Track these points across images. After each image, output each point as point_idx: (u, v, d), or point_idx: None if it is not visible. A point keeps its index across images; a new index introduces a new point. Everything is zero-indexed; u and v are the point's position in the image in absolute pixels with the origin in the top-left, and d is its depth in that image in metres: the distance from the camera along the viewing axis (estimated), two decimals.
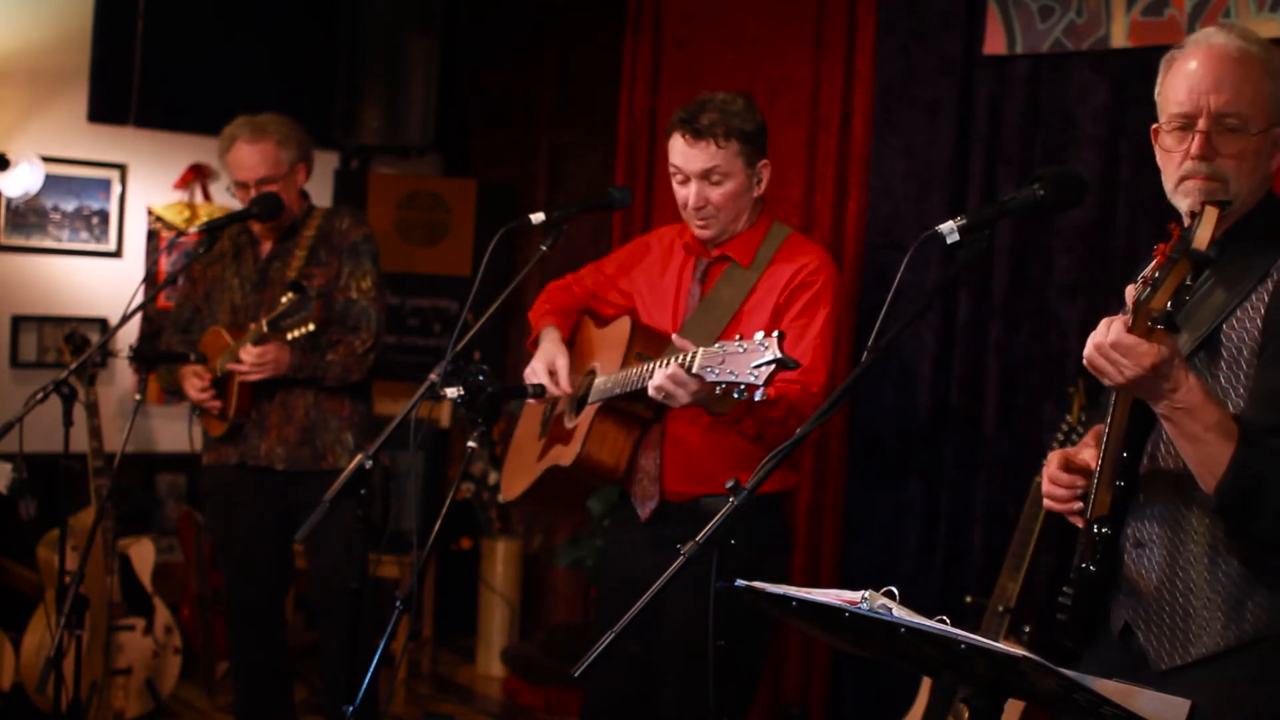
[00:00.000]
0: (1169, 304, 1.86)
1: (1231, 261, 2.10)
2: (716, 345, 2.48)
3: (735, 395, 2.43)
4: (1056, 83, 3.98)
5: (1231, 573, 2.08)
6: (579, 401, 3.08)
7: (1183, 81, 2.13)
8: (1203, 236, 1.88)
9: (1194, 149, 2.10)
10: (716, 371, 2.45)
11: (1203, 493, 2.04)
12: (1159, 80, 2.20)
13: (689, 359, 2.60)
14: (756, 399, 2.40)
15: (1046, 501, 2.25)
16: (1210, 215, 1.90)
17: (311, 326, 3.65)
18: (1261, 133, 2.10)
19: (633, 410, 3.00)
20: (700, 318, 3.03)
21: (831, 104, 4.51)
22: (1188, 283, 1.87)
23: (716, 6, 4.88)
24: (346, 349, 3.82)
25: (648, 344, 2.99)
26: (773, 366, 2.36)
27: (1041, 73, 4.01)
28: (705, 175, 2.98)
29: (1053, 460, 2.25)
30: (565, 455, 3.04)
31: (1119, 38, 3.79)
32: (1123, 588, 2.19)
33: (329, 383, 3.83)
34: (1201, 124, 2.10)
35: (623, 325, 3.06)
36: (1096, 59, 3.87)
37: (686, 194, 3.00)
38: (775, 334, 2.38)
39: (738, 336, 2.46)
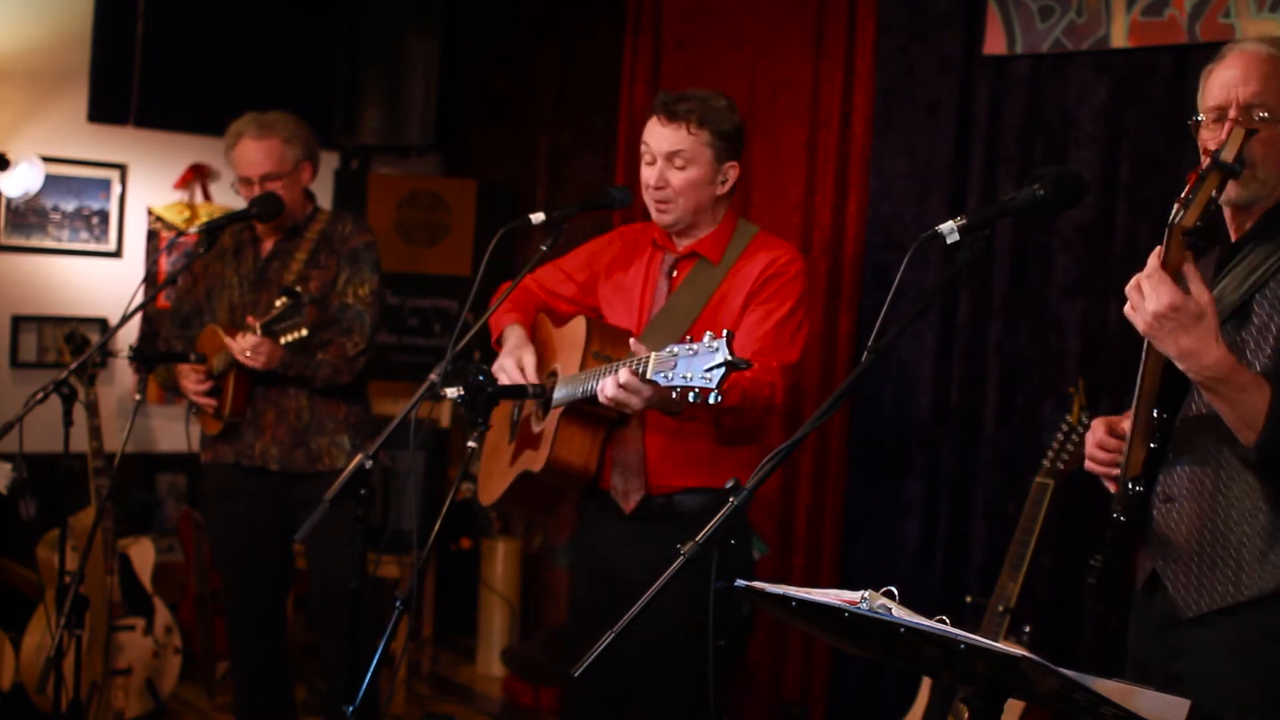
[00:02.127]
0: (1199, 220, 2.02)
1: (1267, 242, 2.25)
2: (667, 349, 2.47)
3: (690, 399, 2.41)
4: (1056, 83, 3.98)
5: (1258, 526, 2.19)
6: (545, 403, 3.07)
7: (1216, 80, 2.30)
8: (1230, 150, 2.06)
9: (1224, 135, 2.21)
10: (669, 376, 2.44)
11: (1230, 448, 2.17)
12: (1200, 90, 2.36)
13: (642, 365, 2.59)
14: (710, 401, 2.38)
15: (1088, 464, 2.40)
16: (1238, 133, 2.09)
17: (304, 332, 3.63)
18: None
19: (596, 412, 2.98)
20: (665, 316, 3.04)
21: (831, 104, 4.51)
22: (1214, 195, 2.06)
23: (716, 6, 4.88)
24: (338, 350, 3.81)
25: (606, 342, 2.97)
26: (723, 369, 2.36)
27: (1041, 73, 4.01)
28: (670, 157, 3.01)
29: (1097, 427, 2.39)
30: (535, 461, 3.02)
31: (1119, 38, 3.79)
32: (1150, 542, 2.31)
33: (317, 383, 3.81)
34: (1231, 113, 2.25)
35: (578, 326, 3.03)
36: (1096, 59, 3.87)
37: (648, 174, 3.04)
38: (725, 334, 2.38)
39: (688, 338, 2.46)
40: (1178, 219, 2.05)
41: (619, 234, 3.28)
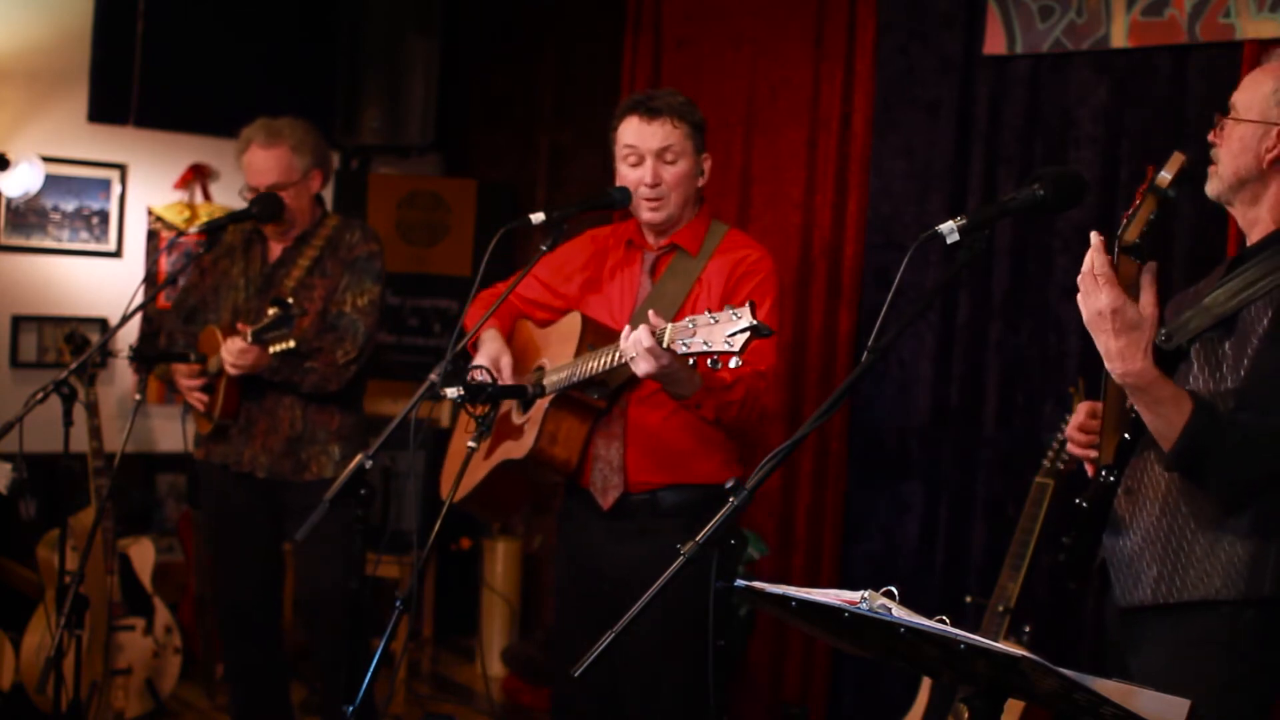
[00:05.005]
0: (1139, 237, 2.16)
1: (1269, 259, 2.30)
2: (686, 319, 2.51)
3: (710, 364, 2.45)
4: (1056, 83, 3.98)
5: (1206, 534, 2.28)
6: (528, 401, 3.08)
7: None
8: (1164, 176, 2.21)
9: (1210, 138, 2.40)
10: (688, 343, 2.48)
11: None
12: None
13: (659, 334, 2.62)
14: (732, 365, 2.42)
15: (1069, 445, 2.52)
16: (1175, 158, 2.24)
17: (291, 344, 3.60)
18: (1249, 122, 2.32)
19: (586, 401, 3.01)
20: (651, 304, 3.05)
21: (831, 104, 4.51)
22: (1153, 218, 2.20)
23: (716, 6, 4.88)
24: (327, 358, 3.79)
25: (599, 338, 3.00)
26: (748, 334, 2.39)
27: (1041, 73, 4.02)
28: (660, 154, 3.05)
29: (1081, 410, 2.50)
30: (518, 449, 3.04)
31: (1119, 38, 3.80)
32: (1108, 528, 2.40)
33: (305, 389, 3.79)
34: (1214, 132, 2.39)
35: (573, 320, 3.06)
36: (1096, 59, 3.88)
37: (640, 174, 3.06)
38: (748, 303, 2.42)
39: (706, 310, 2.49)
40: (1121, 230, 2.17)
41: (589, 238, 3.30)
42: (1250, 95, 2.34)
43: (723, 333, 2.42)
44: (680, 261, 3.10)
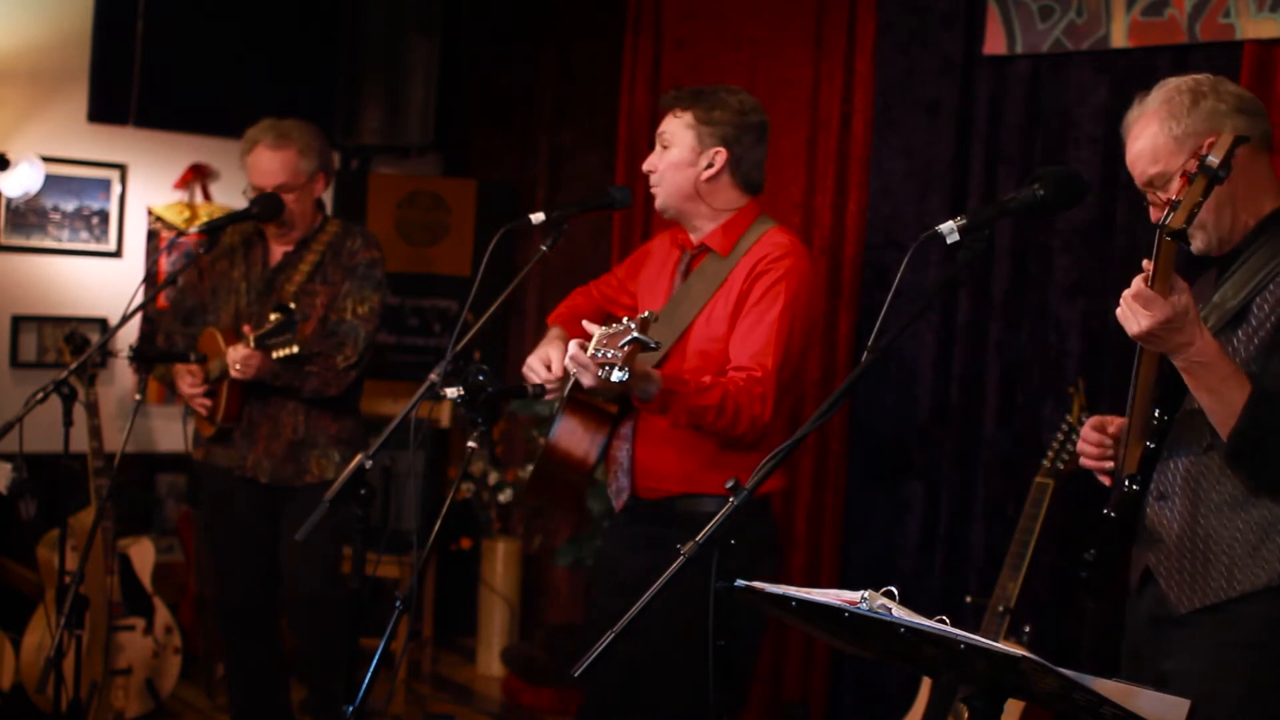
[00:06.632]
0: (1186, 222, 2.07)
1: (1267, 245, 2.30)
2: (609, 325, 2.56)
3: (602, 374, 2.47)
4: (1056, 83, 3.98)
5: (1250, 521, 2.25)
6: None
7: (1130, 151, 2.45)
8: (1217, 154, 2.11)
9: (1154, 217, 2.35)
10: (601, 352, 2.51)
11: (1222, 442, 2.22)
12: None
13: (593, 340, 2.64)
14: (614, 378, 2.44)
15: (1083, 460, 2.49)
16: (1226, 139, 2.15)
17: (295, 349, 3.60)
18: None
19: (594, 403, 3.02)
20: (672, 307, 3.06)
21: (831, 104, 4.51)
22: (1201, 200, 2.10)
23: (716, 6, 4.88)
24: (326, 362, 3.80)
25: None
26: (632, 344, 2.43)
27: (1041, 73, 4.01)
28: (660, 139, 3.09)
29: (1090, 424, 2.49)
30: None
31: (1119, 37, 3.80)
32: (1143, 538, 2.37)
33: (305, 394, 3.80)
34: (1149, 196, 2.39)
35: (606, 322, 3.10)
36: (1096, 59, 3.88)
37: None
38: (646, 313, 2.46)
39: (625, 317, 2.52)
40: (1165, 219, 2.12)
41: (658, 239, 3.34)
42: (1154, 155, 2.36)
43: (618, 341, 2.45)
44: (710, 263, 3.08)
